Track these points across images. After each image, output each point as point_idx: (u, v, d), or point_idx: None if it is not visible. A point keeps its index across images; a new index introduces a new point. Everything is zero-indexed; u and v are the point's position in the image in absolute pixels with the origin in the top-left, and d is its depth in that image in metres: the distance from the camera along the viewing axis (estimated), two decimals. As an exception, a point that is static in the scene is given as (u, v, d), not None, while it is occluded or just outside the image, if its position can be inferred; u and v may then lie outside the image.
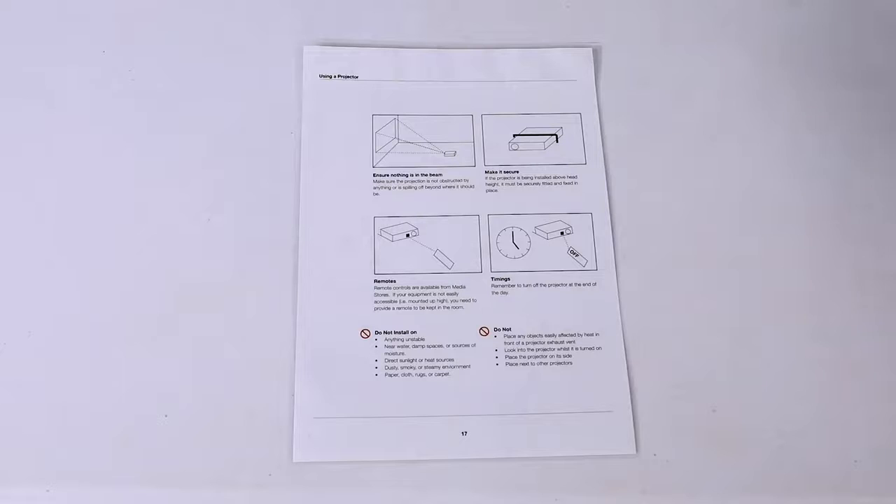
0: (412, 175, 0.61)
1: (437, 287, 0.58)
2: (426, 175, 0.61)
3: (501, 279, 0.58)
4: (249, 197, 0.60)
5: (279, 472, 0.53)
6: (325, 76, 0.64)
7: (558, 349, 0.57)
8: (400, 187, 0.61)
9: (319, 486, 0.53)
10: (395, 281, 0.58)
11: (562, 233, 0.60)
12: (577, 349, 0.57)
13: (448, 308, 0.58)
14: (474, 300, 0.58)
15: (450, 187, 0.61)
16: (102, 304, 0.57)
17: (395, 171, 0.61)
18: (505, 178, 0.62)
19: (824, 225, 0.61)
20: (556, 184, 0.62)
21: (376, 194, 0.61)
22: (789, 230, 0.61)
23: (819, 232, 0.61)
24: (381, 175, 0.61)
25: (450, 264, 0.59)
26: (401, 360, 0.56)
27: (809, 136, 0.64)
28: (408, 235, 0.59)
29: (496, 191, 0.61)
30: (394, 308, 0.57)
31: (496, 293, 0.58)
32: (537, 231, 0.60)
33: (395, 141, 0.62)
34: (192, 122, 0.63)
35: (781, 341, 0.57)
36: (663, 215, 0.61)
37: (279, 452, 0.53)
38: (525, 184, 0.62)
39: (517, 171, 0.62)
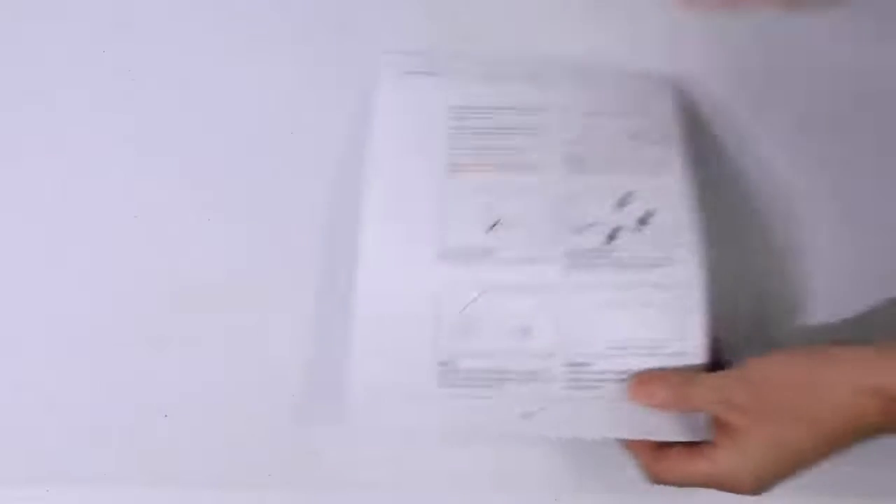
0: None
1: None
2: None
3: None
4: (251, 196, 0.60)
5: (279, 472, 0.53)
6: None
7: None
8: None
9: (322, 484, 0.53)
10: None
11: None
12: None
13: None
14: None
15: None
16: (103, 304, 0.57)
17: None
18: None
19: (828, 223, 0.61)
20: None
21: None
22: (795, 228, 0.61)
23: (830, 230, 0.60)
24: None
25: None
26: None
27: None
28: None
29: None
30: None
31: None
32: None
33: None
34: (194, 122, 0.63)
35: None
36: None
37: (281, 450, 0.53)
38: None
39: None
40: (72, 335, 0.56)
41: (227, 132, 0.62)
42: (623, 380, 0.52)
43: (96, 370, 0.55)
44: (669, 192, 0.56)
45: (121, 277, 0.58)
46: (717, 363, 0.52)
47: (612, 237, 0.55)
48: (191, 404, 0.55)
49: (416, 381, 0.52)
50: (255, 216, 0.60)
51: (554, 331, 0.53)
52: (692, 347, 0.52)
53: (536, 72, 0.63)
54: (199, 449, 0.54)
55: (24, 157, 0.61)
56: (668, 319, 0.53)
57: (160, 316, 0.57)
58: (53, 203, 0.60)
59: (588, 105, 0.61)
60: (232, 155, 0.62)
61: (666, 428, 0.50)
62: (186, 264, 0.58)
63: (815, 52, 0.64)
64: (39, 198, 0.60)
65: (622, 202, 0.56)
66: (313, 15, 0.67)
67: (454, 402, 0.52)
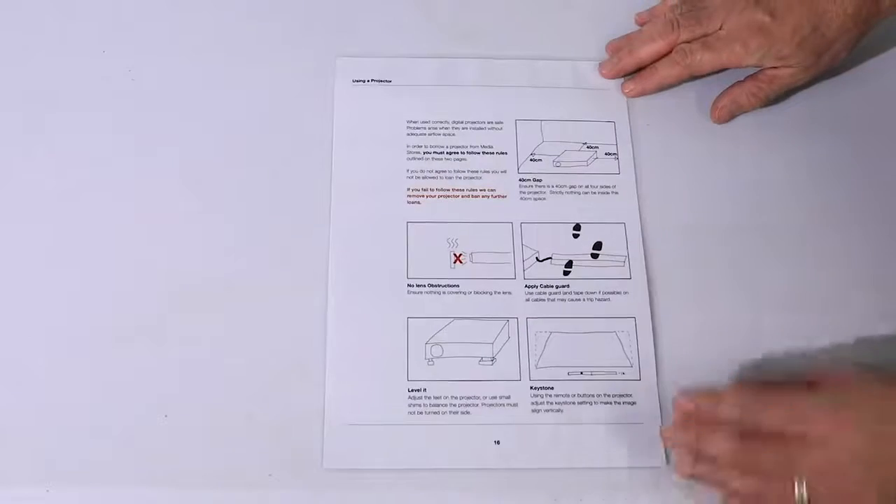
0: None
1: None
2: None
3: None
4: (250, 196, 0.60)
5: (279, 472, 0.53)
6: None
7: None
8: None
9: (322, 484, 0.53)
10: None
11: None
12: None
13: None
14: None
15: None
16: (103, 304, 0.57)
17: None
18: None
19: (840, 236, 0.61)
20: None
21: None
22: (797, 233, 0.61)
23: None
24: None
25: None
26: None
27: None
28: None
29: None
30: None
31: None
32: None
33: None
34: (194, 122, 0.63)
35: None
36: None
37: (281, 450, 0.53)
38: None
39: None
40: (72, 335, 0.56)
41: (226, 132, 0.62)
42: (582, 402, 0.54)
43: (96, 370, 0.55)
44: (620, 217, 0.60)
45: (121, 277, 0.58)
46: None
47: (567, 268, 0.58)
48: (191, 404, 0.54)
49: (387, 409, 0.54)
50: (255, 215, 0.60)
51: (517, 358, 0.56)
52: (644, 373, 0.56)
53: (491, 76, 0.64)
54: (199, 449, 0.53)
55: (24, 157, 0.61)
56: (621, 347, 0.56)
57: (160, 316, 0.57)
58: (53, 203, 0.60)
59: (543, 112, 0.63)
60: (231, 155, 0.62)
61: (627, 456, 0.53)
62: (186, 264, 0.58)
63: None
64: (39, 198, 0.60)
65: (575, 233, 0.59)
66: (314, 15, 0.67)
67: (425, 429, 0.54)
